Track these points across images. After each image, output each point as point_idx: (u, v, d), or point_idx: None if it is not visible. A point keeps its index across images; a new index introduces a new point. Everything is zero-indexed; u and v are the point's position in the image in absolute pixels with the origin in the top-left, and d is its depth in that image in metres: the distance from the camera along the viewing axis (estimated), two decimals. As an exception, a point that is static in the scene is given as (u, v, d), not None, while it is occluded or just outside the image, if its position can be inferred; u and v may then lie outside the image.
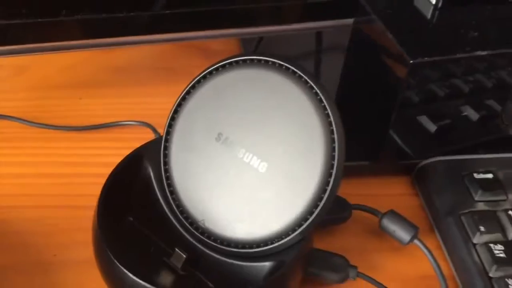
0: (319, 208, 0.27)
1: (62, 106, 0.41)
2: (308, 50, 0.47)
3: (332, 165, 0.27)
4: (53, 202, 0.34)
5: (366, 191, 0.36)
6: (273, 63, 0.28)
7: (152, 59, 0.45)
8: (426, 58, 0.30)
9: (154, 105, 0.39)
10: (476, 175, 0.34)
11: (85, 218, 0.30)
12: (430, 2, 0.33)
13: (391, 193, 0.37)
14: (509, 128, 0.36)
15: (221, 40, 0.46)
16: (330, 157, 0.27)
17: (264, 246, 0.27)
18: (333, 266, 0.30)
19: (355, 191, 0.35)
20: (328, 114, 0.27)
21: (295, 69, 0.28)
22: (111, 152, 0.34)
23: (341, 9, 0.37)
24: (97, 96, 0.41)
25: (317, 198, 0.27)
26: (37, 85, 0.42)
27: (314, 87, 0.27)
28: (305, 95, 0.27)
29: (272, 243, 0.27)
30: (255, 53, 0.28)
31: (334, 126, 0.27)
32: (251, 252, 0.28)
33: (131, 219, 0.31)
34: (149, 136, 0.37)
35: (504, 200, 0.34)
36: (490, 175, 0.34)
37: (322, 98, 0.27)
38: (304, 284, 0.30)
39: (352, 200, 0.34)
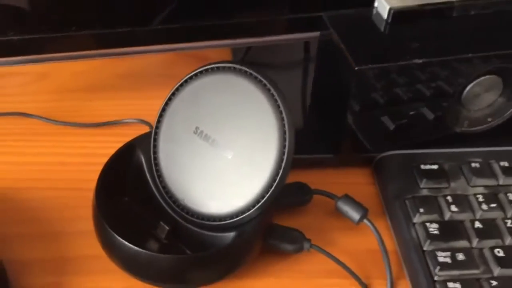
0: (272, 188, 0.32)
1: (76, 107, 0.47)
2: (294, 58, 0.53)
3: (284, 153, 0.32)
4: (65, 185, 0.41)
5: (330, 180, 0.41)
6: (240, 69, 0.34)
7: (154, 67, 0.51)
8: (369, 65, 0.35)
9: (153, 106, 0.43)
10: (422, 166, 0.40)
11: (90, 198, 0.36)
12: (382, 17, 0.39)
13: (352, 181, 0.41)
14: (454, 126, 0.41)
15: (214, 50, 0.51)
16: (282, 147, 0.32)
17: (230, 219, 0.33)
18: (290, 238, 0.35)
19: (320, 180, 0.40)
20: (281, 111, 0.32)
21: (256, 75, 0.33)
22: (114, 145, 0.39)
23: (311, 24, 0.43)
24: (105, 99, 0.48)
25: (272, 180, 0.32)
26: (55, 89, 0.49)
27: (271, 89, 0.33)
28: (264, 96, 0.33)
29: (236, 217, 0.33)
30: (225, 61, 0.34)
31: (285, 122, 0.32)
32: (220, 225, 0.33)
33: (127, 199, 0.37)
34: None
35: (446, 188, 0.39)
36: (435, 166, 0.40)
37: (278, 99, 0.32)
38: (265, 253, 0.35)
39: (315, 187, 0.39)
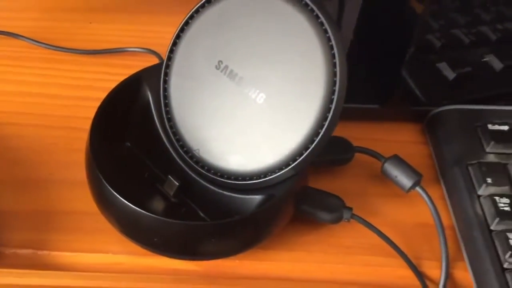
0: (314, 143, 0.26)
1: (72, 29, 0.41)
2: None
3: (332, 100, 0.25)
4: (53, 123, 0.35)
5: (372, 136, 0.34)
6: (278, -13, 0.26)
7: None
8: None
9: (164, 34, 0.38)
10: (490, 126, 0.33)
11: (84, 140, 0.30)
12: None
13: (399, 139, 0.35)
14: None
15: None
16: (330, 91, 0.25)
17: (256, 179, 0.27)
18: (328, 205, 0.29)
19: (361, 135, 0.34)
20: (332, 46, 0.25)
21: (300, -5, 0.26)
22: (116, 78, 0.34)
23: None
24: (107, 22, 0.42)
25: (314, 133, 0.26)
26: (49, 6, 0.43)
27: (320, 16, 0.25)
28: (309, 24, 0.26)
29: (264, 177, 0.27)
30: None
31: (337, 59, 0.25)
32: (243, 184, 0.27)
33: (128, 144, 0.31)
34: (156, 64, 0.37)
35: (518, 154, 0.32)
36: (505, 127, 0.33)
37: (328, 28, 0.25)
38: (295, 221, 0.29)
39: (357, 144, 0.33)
